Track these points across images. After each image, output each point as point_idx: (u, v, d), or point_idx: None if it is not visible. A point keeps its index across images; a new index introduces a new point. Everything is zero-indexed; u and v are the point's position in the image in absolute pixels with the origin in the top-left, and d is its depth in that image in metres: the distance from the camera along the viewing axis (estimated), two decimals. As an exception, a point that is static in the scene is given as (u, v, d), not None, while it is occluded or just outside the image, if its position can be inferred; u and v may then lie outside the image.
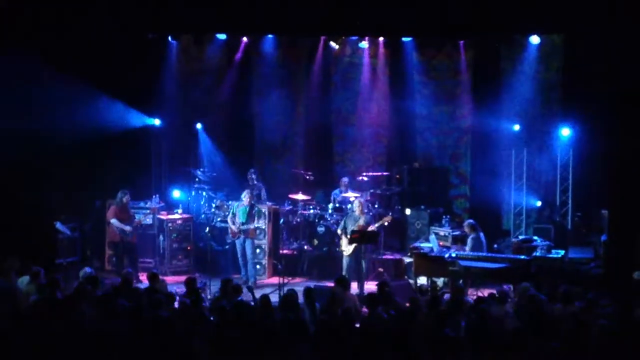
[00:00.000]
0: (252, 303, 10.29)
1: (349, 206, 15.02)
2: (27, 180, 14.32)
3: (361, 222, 13.53)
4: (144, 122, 16.45)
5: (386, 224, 13.98)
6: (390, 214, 14.51)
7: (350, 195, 15.48)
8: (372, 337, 7.95)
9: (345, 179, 16.27)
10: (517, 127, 16.07)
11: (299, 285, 12.95)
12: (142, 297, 10.00)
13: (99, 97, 14.92)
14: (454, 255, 12.93)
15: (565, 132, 15.43)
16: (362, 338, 8.00)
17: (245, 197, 14.45)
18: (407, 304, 10.12)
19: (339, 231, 13.99)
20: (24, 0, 13.99)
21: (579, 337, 8.01)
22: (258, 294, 10.70)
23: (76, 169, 14.99)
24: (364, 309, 10.35)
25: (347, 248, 13.61)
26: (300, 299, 10.17)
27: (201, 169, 16.67)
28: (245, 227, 14.31)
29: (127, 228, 14.35)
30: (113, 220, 14.40)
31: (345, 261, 13.67)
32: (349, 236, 13.51)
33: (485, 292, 12.09)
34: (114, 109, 15.30)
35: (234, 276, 14.09)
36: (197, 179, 16.54)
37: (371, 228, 13.48)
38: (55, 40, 14.19)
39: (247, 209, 14.35)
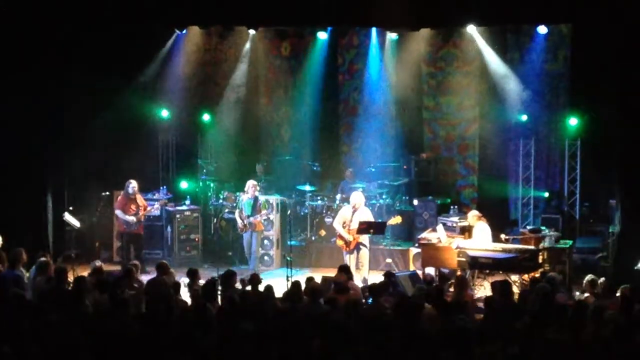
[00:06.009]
0: None
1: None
2: (35, 171, 14.37)
3: (363, 217, 13.30)
4: (152, 114, 16.47)
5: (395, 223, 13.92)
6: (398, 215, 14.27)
7: (358, 186, 15.46)
8: (374, 327, 7.96)
9: (349, 170, 16.31)
10: (524, 118, 16.01)
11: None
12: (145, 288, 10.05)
13: (106, 89, 14.89)
14: (462, 245, 12.92)
15: (573, 121, 15.35)
16: (365, 328, 8.01)
17: (249, 188, 14.36)
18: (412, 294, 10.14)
19: (335, 225, 13.65)
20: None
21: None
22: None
23: (84, 160, 15.01)
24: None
25: (345, 241, 13.32)
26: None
27: (209, 160, 16.68)
28: (251, 219, 14.22)
29: (131, 219, 14.38)
30: (117, 212, 14.54)
31: (345, 254, 13.42)
32: (351, 228, 13.26)
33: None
34: (121, 101, 15.27)
35: (241, 267, 14.40)
36: (204, 170, 16.56)
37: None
38: (61, 31, 14.23)
39: (252, 201, 14.31)
